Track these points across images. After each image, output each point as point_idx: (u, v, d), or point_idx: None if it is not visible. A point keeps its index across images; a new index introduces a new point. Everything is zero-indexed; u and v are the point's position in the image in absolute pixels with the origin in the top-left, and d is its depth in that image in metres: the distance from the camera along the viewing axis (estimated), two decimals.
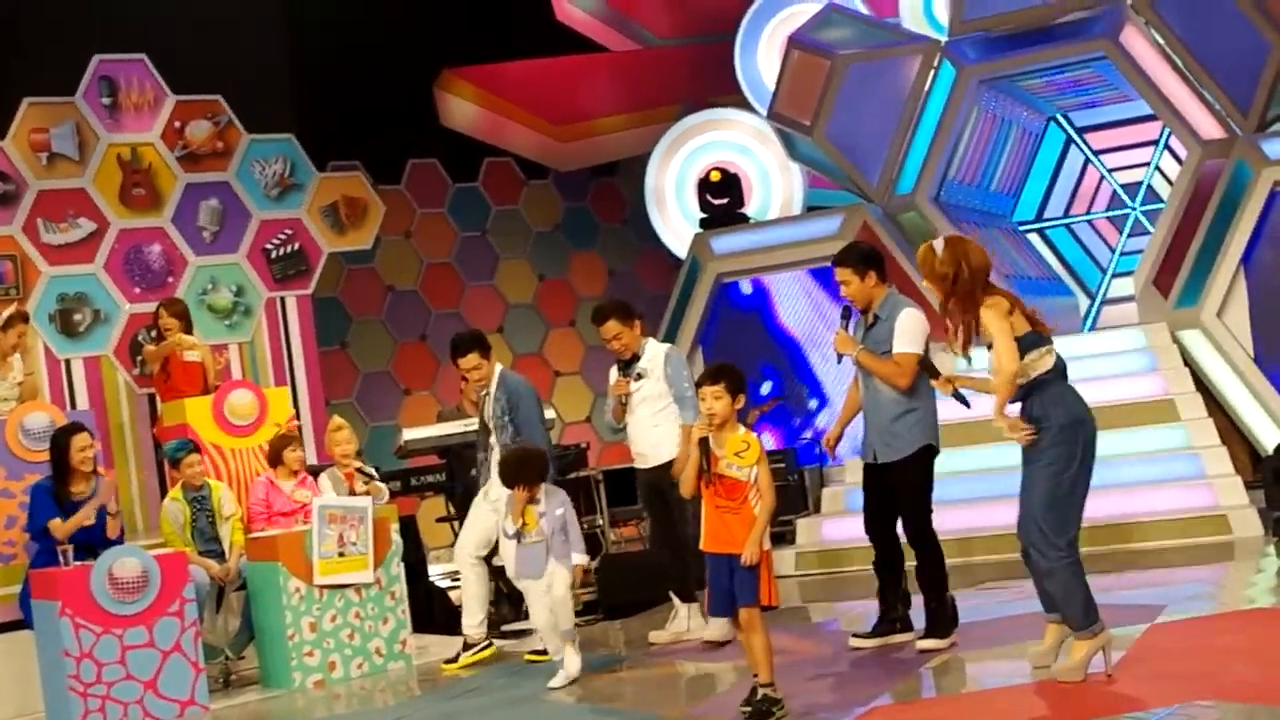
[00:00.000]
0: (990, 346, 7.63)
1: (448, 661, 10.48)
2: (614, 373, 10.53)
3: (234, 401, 12.44)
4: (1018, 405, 7.69)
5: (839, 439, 9.44)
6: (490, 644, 10.53)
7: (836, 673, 8.86)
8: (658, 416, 10.27)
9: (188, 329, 12.97)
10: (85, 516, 10.12)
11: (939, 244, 7.78)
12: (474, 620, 10.48)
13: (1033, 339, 7.57)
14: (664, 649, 10.25)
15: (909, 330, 9.01)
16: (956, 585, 9.30)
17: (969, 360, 7.86)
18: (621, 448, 16.83)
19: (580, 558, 9.33)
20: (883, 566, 9.40)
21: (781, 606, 8.08)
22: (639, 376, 10.28)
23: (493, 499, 10.31)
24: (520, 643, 10.98)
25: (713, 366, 8.10)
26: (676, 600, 10.51)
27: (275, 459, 11.39)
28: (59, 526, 10.11)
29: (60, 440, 10.43)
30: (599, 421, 10.78)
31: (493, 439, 10.41)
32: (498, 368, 10.54)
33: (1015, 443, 7.67)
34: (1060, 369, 7.65)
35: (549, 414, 13.69)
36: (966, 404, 8.34)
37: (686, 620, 10.41)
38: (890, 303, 9.15)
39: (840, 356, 9.29)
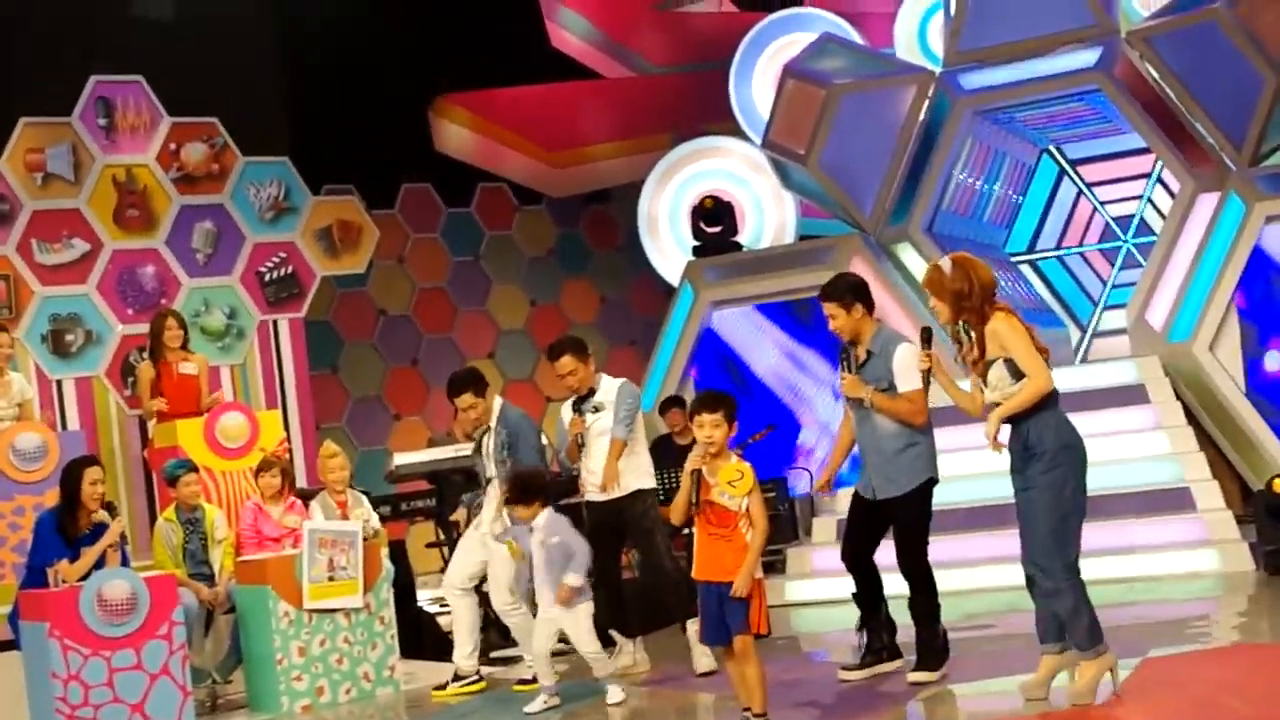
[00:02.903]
0: (991, 362, 7.70)
1: (437, 688, 10.47)
2: (567, 410, 10.48)
3: (225, 424, 12.44)
4: (1006, 426, 7.78)
5: (831, 482, 9.47)
6: (480, 678, 10.50)
7: (825, 704, 8.85)
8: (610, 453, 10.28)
9: (186, 343, 13.02)
10: (92, 559, 10.02)
11: (946, 263, 7.84)
12: (464, 651, 10.46)
13: None
14: (651, 679, 10.22)
15: (911, 366, 8.97)
16: (948, 617, 9.28)
17: (983, 380, 7.84)
18: None
19: (571, 578, 9.25)
20: (863, 597, 9.39)
21: (771, 635, 8.06)
22: (595, 410, 10.27)
23: (483, 532, 10.32)
24: (508, 670, 10.96)
25: (708, 394, 8.11)
26: (619, 637, 10.47)
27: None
28: (69, 569, 9.95)
29: (72, 473, 10.27)
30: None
31: (491, 472, 10.39)
32: (498, 401, 10.49)
33: (992, 450, 7.79)
34: (1055, 393, 7.71)
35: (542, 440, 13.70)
36: (925, 386, 8.33)
37: (632, 655, 10.38)
38: (881, 337, 9.12)
39: (850, 400, 9.24)
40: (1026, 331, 7.77)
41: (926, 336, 8.28)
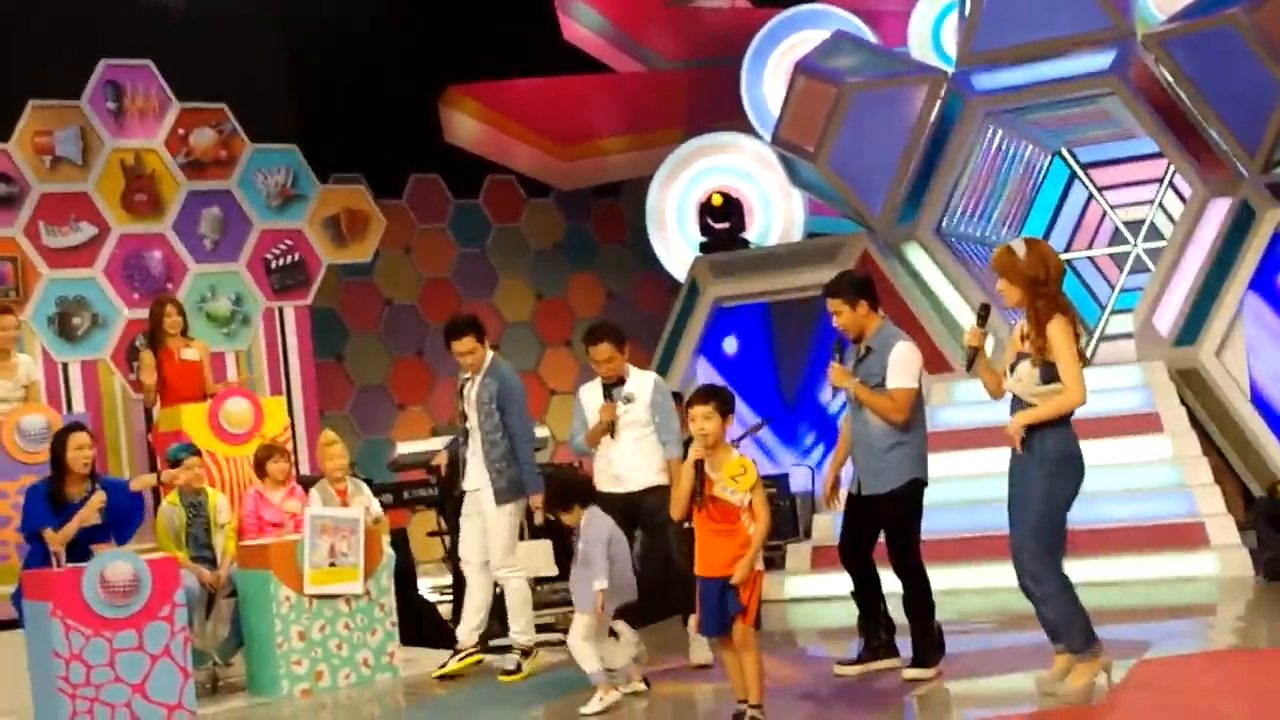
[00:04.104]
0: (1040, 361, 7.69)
1: (440, 668, 10.48)
2: (594, 394, 10.43)
3: (229, 409, 12.45)
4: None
5: (836, 483, 9.43)
6: (478, 651, 10.53)
7: (821, 700, 8.85)
8: (640, 442, 10.22)
9: (186, 330, 13.05)
10: (75, 528, 10.14)
11: (1019, 245, 7.81)
12: (470, 625, 10.49)
13: None
14: (648, 670, 10.20)
15: (903, 365, 9.00)
16: (944, 615, 9.29)
17: (1040, 370, 7.80)
18: None
19: (597, 584, 9.12)
20: (861, 595, 9.39)
21: (763, 629, 8.05)
22: (627, 400, 10.27)
23: (472, 490, 10.43)
24: (504, 659, 10.92)
25: (703, 387, 8.14)
26: (624, 628, 10.42)
27: (260, 470, 11.39)
28: (53, 536, 10.12)
29: (58, 440, 10.44)
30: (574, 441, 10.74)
31: (471, 422, 10.40)
32: (489, 354, 10.53)
33: (1008, 445, 7.81)
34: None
35: (544, 432, 13.70)
36: (969, 366, 8.21)
37: (635, 646, 10.33)
38: (883, 334, 9.14)
39: (835, 389, 9.29)
40: (1075, 339, 7.75)
41: (984, 313, 8.23)
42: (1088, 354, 15.69)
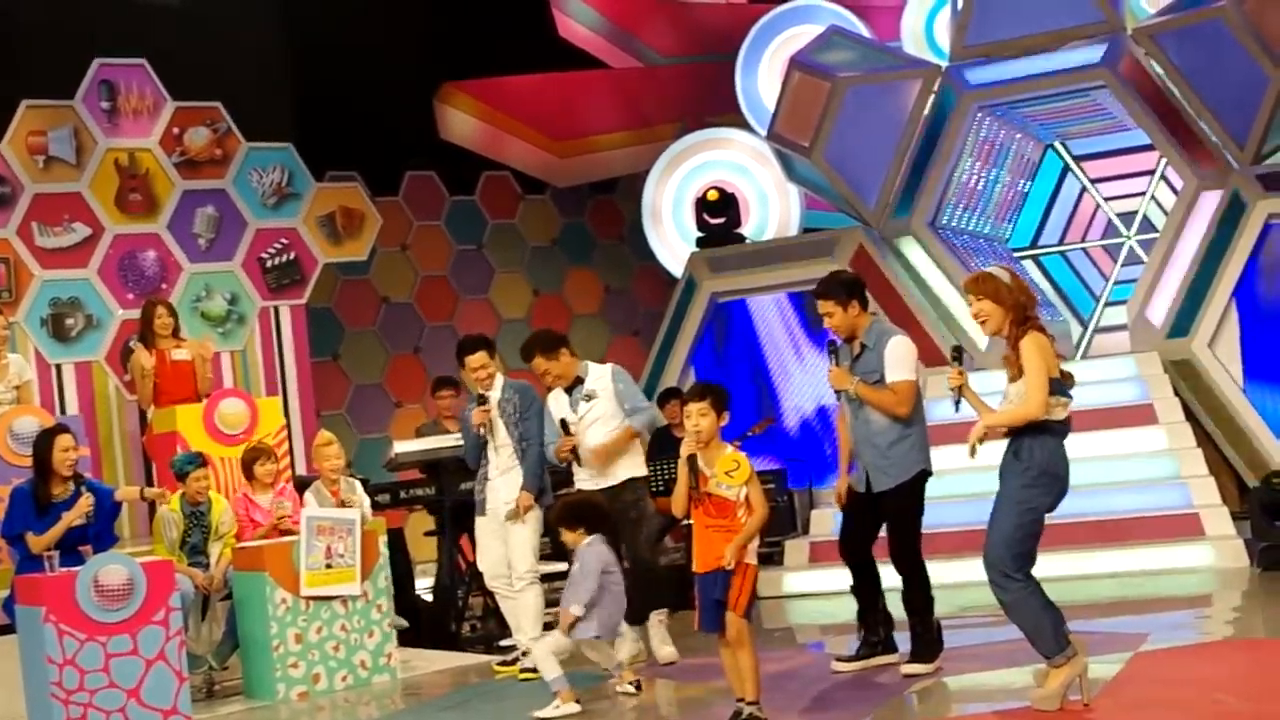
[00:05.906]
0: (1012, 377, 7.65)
1: (523, 670, 10.35)
2: (559, 400, 10.40)
3: (225, 410, 12.43)
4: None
5: (849, 488, 9.40)
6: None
7: (820, 696, 8.85)
8: (612, 435, 10.28)
9: (177, 330, 13.04)
10: (59, 533, 10.16)
11: (1002, 273, 7.78)
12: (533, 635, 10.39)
13: (1059, 386, 7.59)
14: (644, 668, 10.20)
15: (901, 358, 9.03)
16: (943, 610, 9.29)
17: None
18: None
19: (573, 608, 9.12)
20: (861, 590, 9.40)
21: (762, 626, 8.06)
22: (588, 398, 10.27)
23: (494, 508, 10.41)
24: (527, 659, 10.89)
25: (699, 384, 8.16)
26: (622, 625, 10.38)
27: (248, 473, 11.35)
28: (35, 540, 10.17)
29: (43, 441, 10.43)
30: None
31: (504, 437, 10.39)
32: (499, 377, 10.57)
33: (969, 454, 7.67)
34: (1068, 426, 7.66)
35: None
36: (956, 407, 8.11)
37: (635, 643, 10.29)
38: (875, 330, 9.17)
39: (838, 392, 9.29)
40: (1051, 355, 7.66)
41: (958, 354, 8.16)
42: (1077, 356, 15.85)
